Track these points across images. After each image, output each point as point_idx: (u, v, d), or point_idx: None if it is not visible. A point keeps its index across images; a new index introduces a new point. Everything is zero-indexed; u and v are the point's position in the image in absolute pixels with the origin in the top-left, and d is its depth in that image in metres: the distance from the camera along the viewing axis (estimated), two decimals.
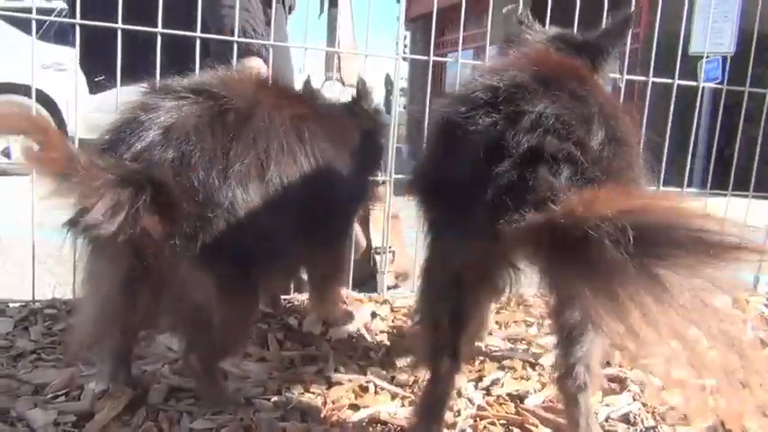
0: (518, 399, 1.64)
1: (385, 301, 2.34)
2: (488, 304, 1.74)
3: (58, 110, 7.61)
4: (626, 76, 2.72)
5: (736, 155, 2.85)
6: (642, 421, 1.53)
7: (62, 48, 6.90)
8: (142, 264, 1.36)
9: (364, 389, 1.69)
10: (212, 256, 1.36)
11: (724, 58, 7.10)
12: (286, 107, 1.59)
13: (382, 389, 1.69)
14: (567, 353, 1.28)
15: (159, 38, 2.02)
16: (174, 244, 1.33)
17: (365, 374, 1.76)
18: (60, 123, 7.70)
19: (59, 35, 7.08)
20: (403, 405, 1.60)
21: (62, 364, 1.74)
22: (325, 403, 1.60)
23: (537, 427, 1.50)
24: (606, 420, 1.55)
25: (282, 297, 2.29)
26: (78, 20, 2.03)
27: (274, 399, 1.60)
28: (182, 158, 1.35)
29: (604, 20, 2.56)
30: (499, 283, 1.28)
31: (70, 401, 1.55)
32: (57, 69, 7.17)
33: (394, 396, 1.65)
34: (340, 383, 1.70)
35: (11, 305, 2.13)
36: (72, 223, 1.40)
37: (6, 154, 7.62)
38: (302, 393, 1.64)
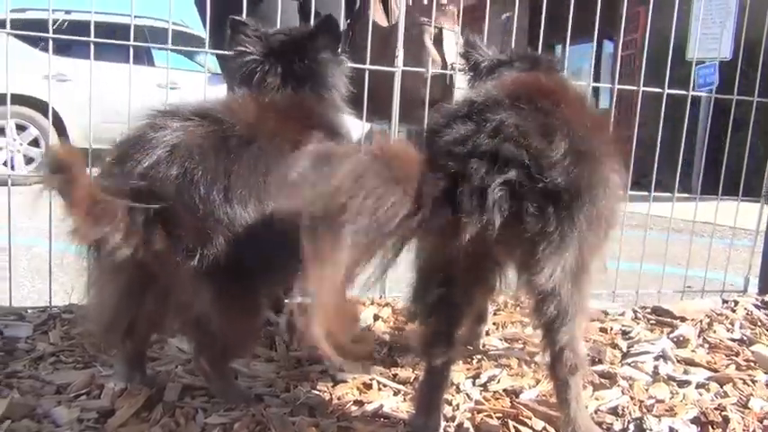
0: (513, 394, 1.74)
1: (387, 304, 2.44)
2: (483, 299, 1.84)
3: (61, 119, 7.74)
4: (617, 86, 2.83)
5: (725, 160, 2.95)
6: (630, 413, 1.62)
7: (64, 58, 7.00)
8: (144, 274, 1.47)
9: (368, 386, 1.78)
10: (213, 267, 1.44)
11: (720, 64, 7.22)
12: (287, 133, 1.69)
13: (385, 386, 1.78)
14: (553, 341, 1.38)
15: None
16: (177, 256, 1.42)
17: (368, 373, 1.85)
18: (62, 133, 7.83)
19: (61, 46, 7.19)
20: (405, 400, 1.69)
21: (81, 366, 1.84)
22: (331, 399, 1.69)
23: (531, 419, 1.59)
24: (595, 413, 1.64)
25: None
26: (92, 38, 2.14)
27: (283, 396, 1.70)
28: (185, 175, 1.44)
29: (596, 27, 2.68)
30: (486, 276, 1.39)
31: (92, 400, 1.64)
32: (58, 80, 7.27)
33: (396, 392, 1.75)
34: (344, 381, 1.79)
35: (29, 311, 2.23)
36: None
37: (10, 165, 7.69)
38: (309, 391, 1.73)
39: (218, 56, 2.46)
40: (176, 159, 1.44)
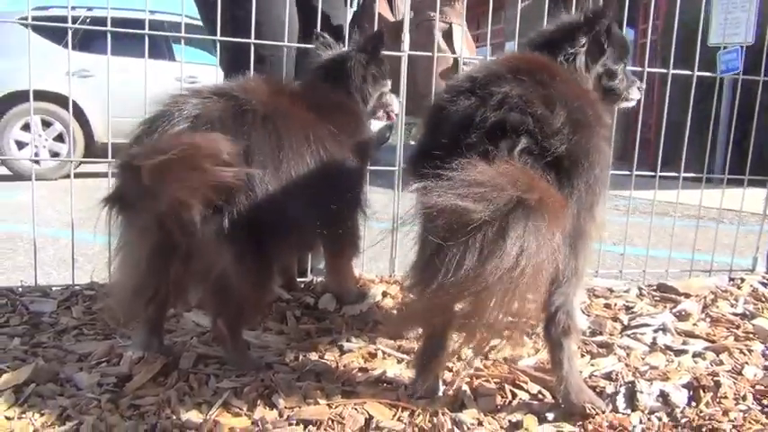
0: (512, 362, 1.80)
1: (395, 282, 2.51)
2: None
3: (84, 114, 7.91)
4: (647, 69, 2.86)
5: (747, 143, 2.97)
6: (623, 378, 1.68)
7: (86, 54, 7.14)
8: (169, 239, 1.56)
9: (373, 355, 1.86)
10: (231, 230, 1.55)
11: (743, 48, 7.16)
12: (297, 108, 1.82)
13: (389, 355, 1.86)
14: (549, 303, 1.45)
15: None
16: (199, 218, 1.51)
17: (374, 344, 1.93)
18: (85, 126, 8.01)
19: (84, 42, 7.34)
20: (408, 368, 1.77)
21: (102, 338, 1.95)
22: (337, 367, 1.77)
23: (527, 383, 1.66)
24: (590, 377, 1.70)
25: (300, 279, 2.49)
26: (110, 27, 2.24)
27: (292, 364, 1.79)
28: None
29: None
30: None
31: (111, 366, 1.74)
32: (81, 76, 7.43)
33: (400, 361, 1.82)
34: (351, 351, 1.87)
35: (54, 288, 2.34)
36: (110, 200, 1.61)
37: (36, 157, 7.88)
38: (317, 360, 1.82)
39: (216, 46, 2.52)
40: (198, 128, 1.56)
